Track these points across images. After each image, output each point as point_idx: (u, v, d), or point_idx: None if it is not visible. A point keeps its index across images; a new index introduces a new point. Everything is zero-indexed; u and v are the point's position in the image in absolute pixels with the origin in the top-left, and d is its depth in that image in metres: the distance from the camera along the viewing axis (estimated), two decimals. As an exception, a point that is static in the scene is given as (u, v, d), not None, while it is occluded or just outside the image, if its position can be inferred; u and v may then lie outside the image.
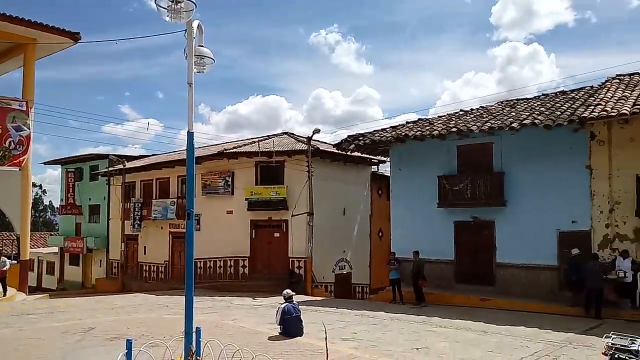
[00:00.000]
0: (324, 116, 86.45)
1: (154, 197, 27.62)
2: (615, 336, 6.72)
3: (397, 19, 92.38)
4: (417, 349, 9.47)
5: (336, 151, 21.39)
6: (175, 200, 25.75)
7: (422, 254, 16.48)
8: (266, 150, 22.28)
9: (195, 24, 6.50)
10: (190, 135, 6.45)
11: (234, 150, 23.22)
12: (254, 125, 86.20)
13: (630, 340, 6.55)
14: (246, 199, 22.55)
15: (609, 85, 15.91)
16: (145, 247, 28.05)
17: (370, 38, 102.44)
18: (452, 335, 10.86)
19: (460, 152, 17.27)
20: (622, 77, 16.56)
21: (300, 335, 10.14)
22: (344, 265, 24.04)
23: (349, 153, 21.00)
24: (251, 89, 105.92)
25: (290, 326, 10.17)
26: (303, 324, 10.44)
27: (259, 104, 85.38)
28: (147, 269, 27.81)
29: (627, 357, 6.34)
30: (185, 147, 6.82)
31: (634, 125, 13.76)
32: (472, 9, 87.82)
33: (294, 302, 10.66)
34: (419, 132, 17.01)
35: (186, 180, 6.88)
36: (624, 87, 15.27)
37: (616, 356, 6.51)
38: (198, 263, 22.63)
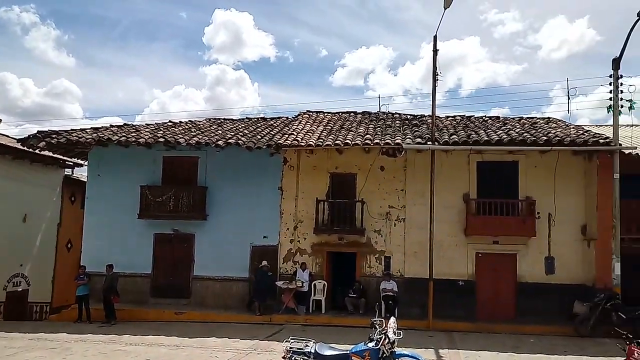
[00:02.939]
0: (9, 105, 73.33)
1: None
2: (293, 340, 7.57)
3: (107, 14, 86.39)
4: (103, 372, 8.72)
5: (21, 147, 18.27)
6: None
7: (116, 267, 15.44)
8: None
9: None
10: None
11: None
12: None
13: (305, 343, 7.47)
14: None
15: (301, 119, 18.29)
16: None
17: (75, 28, 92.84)
18: (143, 352, 10.43)
19: (165, 163, 17.02)
20: (311, 113, 19.27)
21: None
22: (20, 282, 20.58)
23: (37, 151, 18.23)
24: None
25: None
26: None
27: None
28: None
29: (302, 359, 7.21)
30: None
31: (318, 155, 16.11)
32: (186, 24, 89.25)
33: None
34: (123, 138, 16.04)
35: None
36: (312, 122, 17.76)
37: (293, 358, 7.33)
38: None
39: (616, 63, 14.28)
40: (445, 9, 13.48)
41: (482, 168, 15.67)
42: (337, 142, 14.94)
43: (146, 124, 18.45)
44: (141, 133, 16.66)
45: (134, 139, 15.95)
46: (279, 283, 15.33)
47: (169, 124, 18.49)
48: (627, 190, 14.17)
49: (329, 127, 16.86)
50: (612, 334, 9.12)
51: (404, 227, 15.82)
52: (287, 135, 15.71)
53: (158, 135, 16.35)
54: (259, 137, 16.19)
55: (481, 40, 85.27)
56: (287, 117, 19.47)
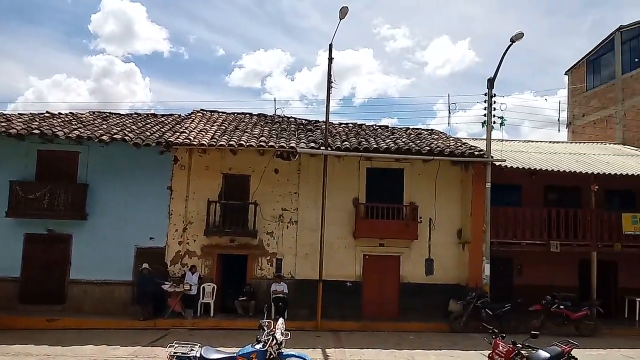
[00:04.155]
0: None
1: None
2: (177, 345, 7.32)
3: (-21, -9, 77.19)
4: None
5: None
6: None
7: (-23, 271, 13.84)
8: None
9: None
10: None
11: None
12: None
13: (190, 347, 7.25)
14: None
15: (194, 117, 17.78)
16: None
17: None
18: (6, 365, 9.45)
19: (41, 158, 15.59)
20: (205, 112, 18.82)
21: None
22: None
23: None
24: None
25: None
26: None
27: None
28: None
29: (187, 364, 6.98)
30: None
31: (211, 156, 15.76)
32: (72, 9, 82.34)
33: None
34: (-8, 128, 14.46)
35: None
36: (205, 121, 17.35)
37: (177, 363, 7.07)
38: None
39: (490, 83, 15.70)
40: (340, 19, 13.93)
41: (371, 174, 16.37)
42: (231, 142, 14.73)
43: (19, 114, 16.81)
44: (13, 123, 15.13)
45: (3, 129, 14.45)
46: (166, 286, 14.70)
47: (46, 114, 17.00)
48: (496, 198, 15.64)
49: (224, 127, 16.58)
50: (481, 329, 9.98)
51: (296, 229, 16.01)
52: (178, 134, 15.18)
53: (33, 126, 14.95)
54: (148, 133, 15.46)
55: (374, 53, 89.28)
56: (180, 115, 18.82)
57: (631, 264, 17.30)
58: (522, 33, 14.26)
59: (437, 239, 16.30)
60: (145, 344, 11.46)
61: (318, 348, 11.58)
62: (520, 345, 7.51)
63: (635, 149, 20.07)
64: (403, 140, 16.59)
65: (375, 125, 19.19)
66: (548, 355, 7.56)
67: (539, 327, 13.47)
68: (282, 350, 7.34)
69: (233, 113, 19.09)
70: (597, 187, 15.92)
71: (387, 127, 19.12)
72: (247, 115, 19.01)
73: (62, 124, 15.81)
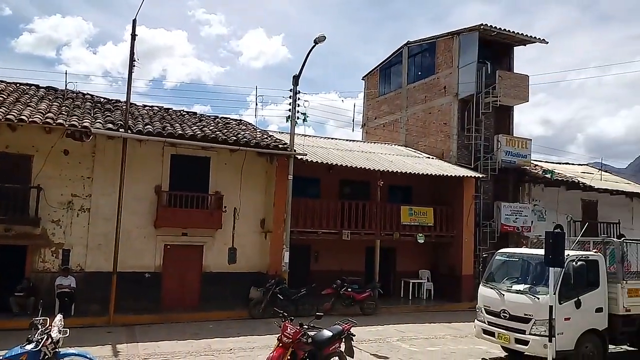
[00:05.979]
0: None
1: None
2: None
3: None
4: None
5: None
6: None
7: None
8: None
9: None
10: None
11: None
12: None
13: None
14: None
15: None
16: None
17: None
18: None
19: None
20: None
21: None
22: None
23: None
24: None
25: None
26: None
27: None
28: None
29: None
30: None
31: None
32: None
33: None
34: None
35: None
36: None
37: None
38: None
39: (295, 80, 16.48)
40: (147, -6, 13.11)
41: (176, 161, 15.84)
42: (9, 116, 12.74)
43: None
44: None
45: None
46: None
47: None
48: (298, 190, 16.53)
49: (1, 99, 14.28)
50: (273, 313, 10.47)
51: (89, 217, 14.67)
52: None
53: None
54: None
55: (188, 36, 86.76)
56: None
57: (407, 251, 19.97)
58: (325, 36, 15.25)
59: (241, 229, 16.54)
60: None
61: (108, 344, 10.85)
62: (307, 327, 8.06)
63: (414, 150, 23.11)
64: (210, 128, 16.39)
65: (183, 110, 18.58)
66: (330, 333, 8.27)
67: (330, 309, 14.75)
68: (60, 350, 6.67)
69: (15, 83, 16.54)
70: (382, 182, 17.92)
71: (195, 113, 18.68)
72: (33, 87, 16.66)
73: None
